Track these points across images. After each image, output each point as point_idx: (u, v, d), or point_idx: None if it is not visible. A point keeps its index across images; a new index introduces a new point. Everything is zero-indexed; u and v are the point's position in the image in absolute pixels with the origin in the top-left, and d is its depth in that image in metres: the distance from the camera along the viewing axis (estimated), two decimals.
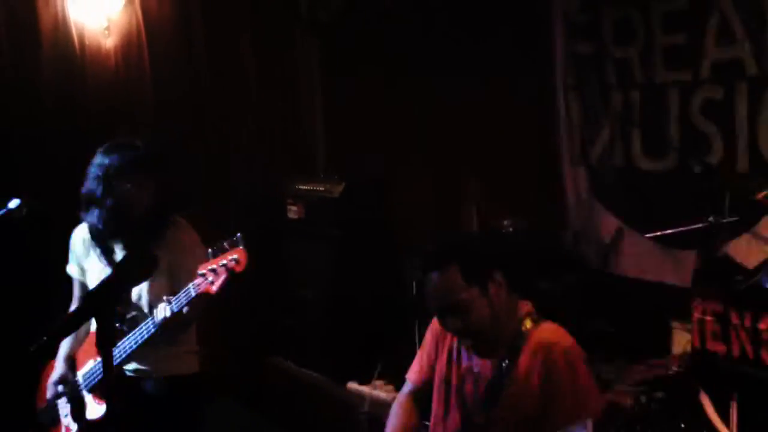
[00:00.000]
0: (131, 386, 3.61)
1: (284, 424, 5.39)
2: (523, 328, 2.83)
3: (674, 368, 3.71)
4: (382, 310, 5.37)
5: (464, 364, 2.92)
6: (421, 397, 3.12)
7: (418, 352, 3.15)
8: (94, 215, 3.58)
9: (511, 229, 4.81)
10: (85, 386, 3.65)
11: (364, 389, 4.86)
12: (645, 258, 4.63)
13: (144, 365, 3.65)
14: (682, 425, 3.43)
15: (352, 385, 5.01)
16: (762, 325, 3.13)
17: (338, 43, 6.22)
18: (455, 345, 2.96)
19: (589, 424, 2.33)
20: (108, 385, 2.82)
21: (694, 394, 3.43)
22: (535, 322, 2.87)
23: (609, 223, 4.88)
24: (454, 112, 5.43)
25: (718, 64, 4.30)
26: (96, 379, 3.60)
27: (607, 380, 3.80)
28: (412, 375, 3.15)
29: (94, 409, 3.60)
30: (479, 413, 2.79)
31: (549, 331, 2.85)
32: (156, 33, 5.69)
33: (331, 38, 6.29)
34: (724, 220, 3.71)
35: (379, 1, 5.73)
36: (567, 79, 5.14)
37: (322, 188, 5.57)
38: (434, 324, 3.04)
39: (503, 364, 2.77)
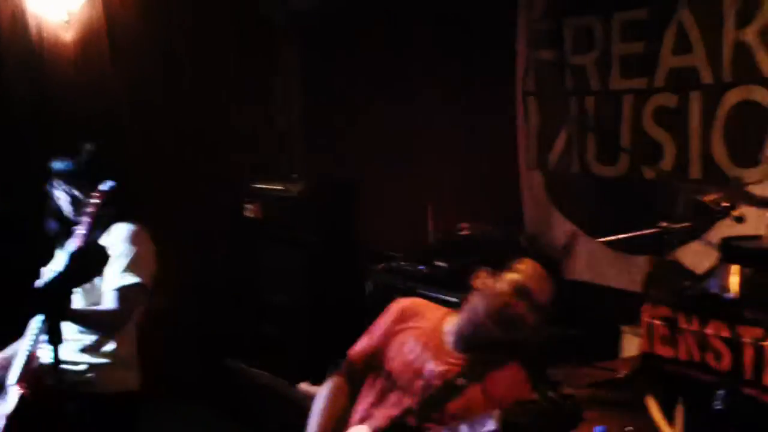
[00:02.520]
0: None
1: (244, 426, 5.37)
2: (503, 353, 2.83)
3: (623, 371, 3.74)
4: (340, 311, 5.37)
5: (417, 363, 2.87)
6: (357, 378, 3.01)
7: (368, 332, 3.06)
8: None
9: (468, 233, 4.84)
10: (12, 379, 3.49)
11: (316, 389, 4.85)
12: (597, 262, 4.69)
13: (76, 376, 3.57)
14: (629, 429, 3.47)
15: (304, 386, 5.00)
16: (709, 330, 3.16)
17: (317, 44, 6.23)
18: (414, 340, 2.88)
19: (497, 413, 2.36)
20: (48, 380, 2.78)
21: (641, 396, 3.46)
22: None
23: (563, 228, 4.93)
24: (419, 116, 5.46)
25: (673, 72, 4.37)
26: (21, 370, 3.45)
27: (555, 383, 3.82)
28: (355, 352, 3.04)
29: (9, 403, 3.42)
30: (415, 415, 2.75)
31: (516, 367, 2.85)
32: (120, 27, 5.65)
33: (310, 39, 6.30)
34: (676, 226, 3.75)
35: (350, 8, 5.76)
36: (526, 85, 5.20)
37: (279, 187, 5.55)
38: (396, 311, 2.96)
39: (458, 380, 2.74)
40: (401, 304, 3.02)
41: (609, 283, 4.61)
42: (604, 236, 4.20)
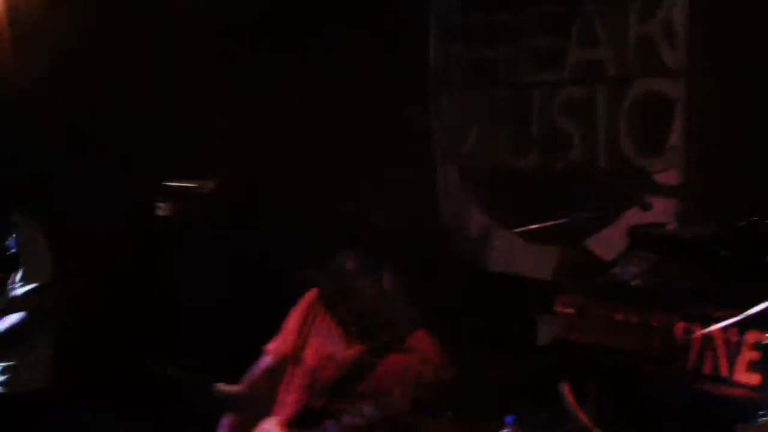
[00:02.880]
0: None
1: (160, 426, 5.29)
2: (402, 331, 2.86)
3: (538, 360, 3.80)
4: (258, 309, 5.33)
5: (327, 349, 2.90)
6: (278, 371, 3.03)
7: (283, 326, 3.10)
8: None
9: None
10: None
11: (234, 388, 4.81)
12: (512, 253, 4.76)
13: None
14: (545, 415, 3.54)
15: (221, 386, 4.95)
16: (619, 316, 3.24)
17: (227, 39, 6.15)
18: (324, 329, 2.92)
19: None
20: None
21: (556, 383, 3.53)
22: (413, 328, 2.90)
23: (478, 219, 5.00)
24: (335, 109, 5.45)
25: (580, 65, 4.47)
26: None
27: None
28: (274, 347, 3.07)
29: None
30: (325, 397, 2.78)
31: (425, 342, 2.88)
32: (23, 18, 5.48)
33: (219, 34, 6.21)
34: (586, 216, 3.84)
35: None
36: (439, 79, 5.25)
37: (193, 185, 5.50)
38: (306, 304, 3.01)
39: (365, 360, 2.78)
40: (310, 296, 3.06)
41: (524, 273, 4.69)
42: (517, 227, 4.29)
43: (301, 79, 5.55)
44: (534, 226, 4.03)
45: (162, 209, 5.64)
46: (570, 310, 3.47)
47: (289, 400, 2.92)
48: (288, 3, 5.59)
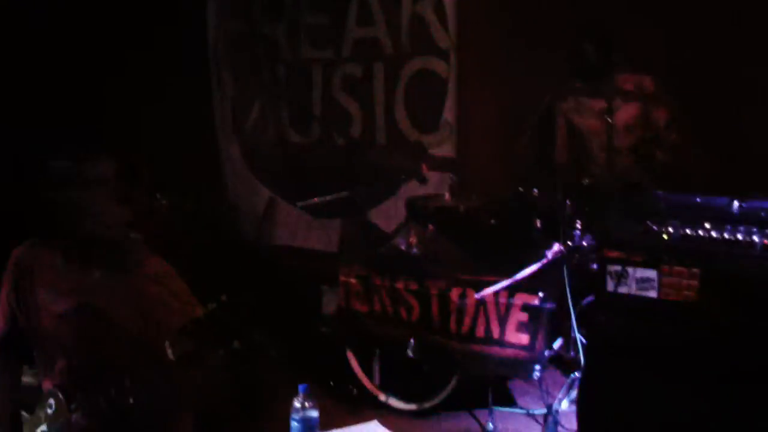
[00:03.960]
0: None
1: None
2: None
3: (322, 329, 3.89)
4: None
5: (60, 310, 2.54)
6: (12, 347, 2.67)
7: None
8: None
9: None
10: None
11: None
12: (297, 227, 4.84)
13: None
14: (331, 383, 3.64)
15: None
16: (399, 284, 3.38)
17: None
18: (46, 288, 2.54)
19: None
20: None
21: (341, 351, 3.64)
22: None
23: (262, 195, 5.03)
24: (122, 88, 5.25)
25: (358, 43, 4.60)
26: None
27: (261, 343, 3.90)
28: None
29: None
30: (77, 354, 2.48)
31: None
32: None
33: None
34: (366, 189, 3.96)
35: None
36: (219, 55, 5.21)
37: None
38: (11, 268, 2.61)
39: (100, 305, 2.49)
40: (13, 258, 2.63)
41: (309, 246, 4.78)
42: (301, 202, 4.36)
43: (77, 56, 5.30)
44: (316, 200, 4.09)
45: None
46: (353, 280, 3.58)
47: (53, 374, 2.52)
48: None
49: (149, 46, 5.05)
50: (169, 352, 2.25)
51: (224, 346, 2.30)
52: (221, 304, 2.25)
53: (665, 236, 2.52)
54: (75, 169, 2.48)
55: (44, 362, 2.49)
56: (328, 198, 4.00)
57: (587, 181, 3.23)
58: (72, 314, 2.46)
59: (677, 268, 2.47)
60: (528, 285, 2.99)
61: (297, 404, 2.14)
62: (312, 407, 2.13)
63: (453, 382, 3.25)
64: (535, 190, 3.26)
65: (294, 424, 2.13)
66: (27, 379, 2.75)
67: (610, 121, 3.19)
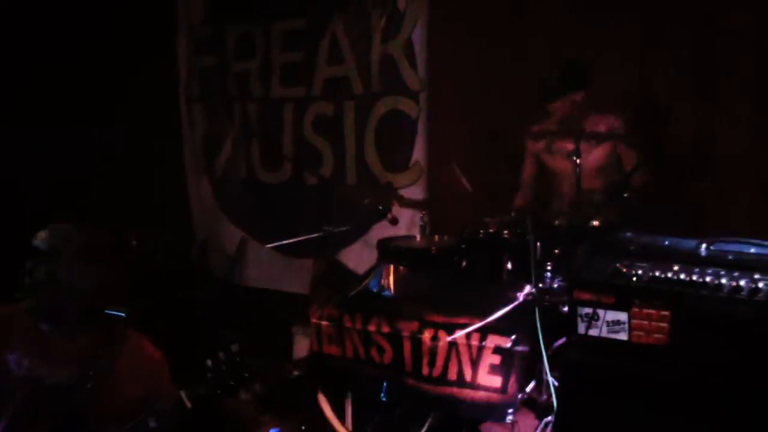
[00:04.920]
0: None
1: None
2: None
3: (294, 372, 3.87)
4: None
5: (33, 377, 2.45)
6: None
7: None
8: None
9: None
10: None
11: None
12: (267, 267, 4.81)
13: None
14: (303, 428, 3.60)
15: None
16: (371, 327, 3.35)
17: None
18: (15, 355, 2.44)
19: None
20: None
21: (313, 394, 3.60)
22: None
23: (233, 234, 5.00)
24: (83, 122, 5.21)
25: (328, 82, 4.60)
26: None
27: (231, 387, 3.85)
28: None
29: None
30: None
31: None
32: None
33: None
34: (336, 230, 3.94)
35: None
36: (190, 91, 5.19)
37: None
38: None
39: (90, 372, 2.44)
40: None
41: (280, 287, 4.75)
42: (272, 241, 4.32)
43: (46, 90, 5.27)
44: (288, 241, 4.07)
45: None
46: (324, 323, 3.55)
47: None
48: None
49: (119, 79, 5.02)
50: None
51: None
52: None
53: (634, 278, 2.52)
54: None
55: None
56: (298, 239, 3.98)
57: (557, 222, 3.24)
58: (74, 383, 2.42)
59: (647, 311, 2.47)
60: (500, 327, 2.97)
61: None
62: None
63: (427, 425, 3.22)
64: (505, 232, 3.26)
65: None
66: None
67: (578, 162, 3.20)
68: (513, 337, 2.95)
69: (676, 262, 2.49)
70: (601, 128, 3.47)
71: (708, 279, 2.43)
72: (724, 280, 2.40)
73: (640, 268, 2.53)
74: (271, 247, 4.41)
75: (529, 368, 2.99)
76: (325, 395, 3.58)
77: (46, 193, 4.89)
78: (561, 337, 2.85)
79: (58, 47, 5.14)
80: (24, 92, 5.10)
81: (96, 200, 5.09)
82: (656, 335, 2.46)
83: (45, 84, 5.06)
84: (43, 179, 4.93)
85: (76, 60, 5.13)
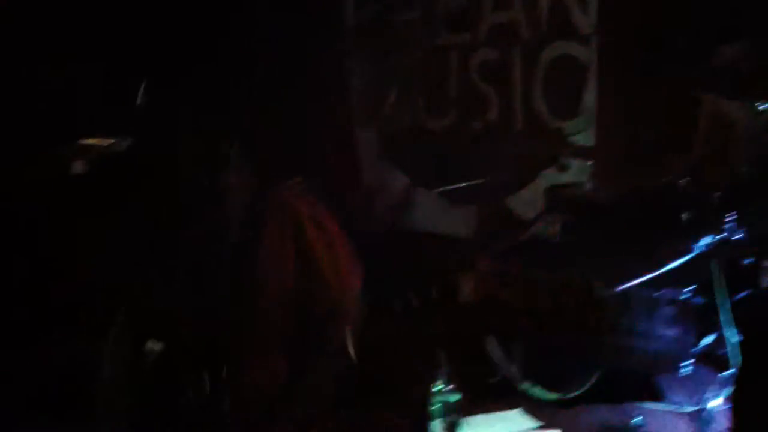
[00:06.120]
0: None
1: None
2: None
3: (463, 316, 3.91)
4: None
5: None
6: None
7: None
8: None
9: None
10: None
11: None
12: (433, 213, 4.86)
13: None
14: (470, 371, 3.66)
15: None
16: (538, 275, 3.36)
17: None
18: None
19: None
20: None
21: (481, 338, 3.65)
22: None
23: (399, 181, 5.07)
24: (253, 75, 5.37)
25: (494, 28, 4.56)
26: None
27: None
28: None
29: None
30: None
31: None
32: None
33: None
34: (504, 176, 3.95)
35: None
36: (356, 44, 5.26)
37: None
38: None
39: None
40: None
41: (446, 233, 4.79)
42: (438, 188, 4.37)
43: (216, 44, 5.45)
44: (454, 186, 4.10)
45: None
46: (491, 269, 3.58)
47: None
48: None
49: (285, 36, 5.11)
50: None
51: None
52: None
53: None
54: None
55: None
56: (465, 184, 4.00)
57: (736, 172, 3.13)
58: None
59: None
60: (676, 278, 2.93)
61: (439, 387, 2.17)
62: (453, 390, 2.16)
63: (597, 374, 3.22)
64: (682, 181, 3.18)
65: (436, 406, 2.16)
66: None
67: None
68: (690, 288, 2.90)
69: None
70: None
71: None
72: None
73: None
74: (437, 192, 4.46)
75: (707, 321, 2.94)
76: (494, 340, 3.62)
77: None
78: (742, 291, 2.79)
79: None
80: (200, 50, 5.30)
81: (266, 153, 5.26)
82: None
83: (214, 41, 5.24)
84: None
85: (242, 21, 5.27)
